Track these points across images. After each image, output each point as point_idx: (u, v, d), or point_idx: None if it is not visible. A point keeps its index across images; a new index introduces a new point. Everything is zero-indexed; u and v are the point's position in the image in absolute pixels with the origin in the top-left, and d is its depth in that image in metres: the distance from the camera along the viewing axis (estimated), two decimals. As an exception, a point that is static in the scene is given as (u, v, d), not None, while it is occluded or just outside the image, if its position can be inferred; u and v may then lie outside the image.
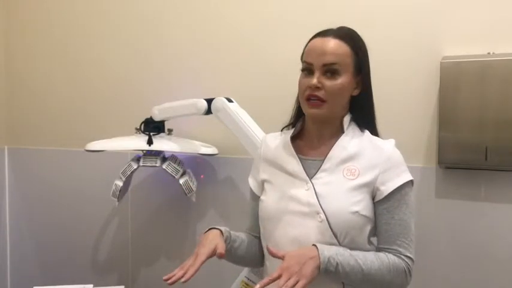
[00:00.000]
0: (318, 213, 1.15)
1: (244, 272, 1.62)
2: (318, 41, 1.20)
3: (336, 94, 1.17)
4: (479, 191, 1.61)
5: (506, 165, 1.52)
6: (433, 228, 1.65)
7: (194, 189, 1.90)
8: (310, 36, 1.24)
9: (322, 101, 1.16)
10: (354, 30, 1.23)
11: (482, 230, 1.61)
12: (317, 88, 1.16)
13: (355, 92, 1.22)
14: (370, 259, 1.12)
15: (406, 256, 1.16)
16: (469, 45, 1.59)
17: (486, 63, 1.51)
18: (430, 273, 1.65)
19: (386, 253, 1.16)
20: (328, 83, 1.16)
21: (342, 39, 1.18)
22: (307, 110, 1.19)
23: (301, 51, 1.26)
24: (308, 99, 1.18)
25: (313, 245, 1.12)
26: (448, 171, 1.65)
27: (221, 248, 1.15)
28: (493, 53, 1.55)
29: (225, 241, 1.21)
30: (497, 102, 1.50)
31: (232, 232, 1.28)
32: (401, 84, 1.69)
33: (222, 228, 1.24)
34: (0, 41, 2.38)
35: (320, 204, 1.15)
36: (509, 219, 1.58)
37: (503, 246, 1.59)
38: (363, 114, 1.25)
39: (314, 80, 1.16)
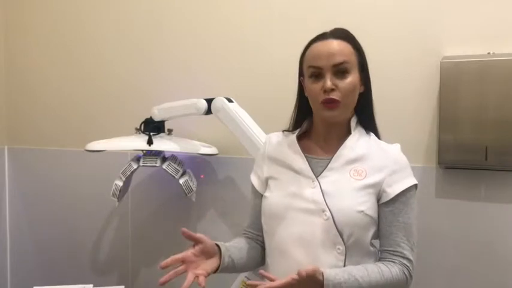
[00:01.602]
0: (323, 211, 1.14)
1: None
2: (320, 44, 1.20)
3: (350, 93, 1.17)
4: (479, 191, 1.61)
5: (506, 165, 1.52)
6: (433, 228, 1.65)
7: (194, 189, 1.90)
8: (311, 36, 1.24)
9: (338, 102, 1.16)
10: (348, 30, 1.23)
11: (482, 230, 1.61)
12: (332, 90, 1.15)
13: (361, 89, 1.22)
14: (374, 279, 1.11)
15: (408, 259, 1.17)
16: (469, 45, 1.59)
17: (486, 63, 1.51)
18: (430, 273, 1.65)
19: (389, 264, 1.16)
20: (340, 83, 1.16)
21: (342, 39, 1.19)
22: (323, 113, 1.19)
23: (301, 52, 1.26)
24: (325, 102, 1.17)
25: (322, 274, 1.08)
26: (448, 171, 1.65)
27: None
28: (493, 53, 1.55)
29: (222, 257, 1.21)
30: (497, 102, 1.50)
31: (229, 245, 1.26)
32: (401, 84, 1.69)
33: (222, 247, 1.22)
34: (0, 40, 2.38)
35: (326, 202, 1.15)
36: (509, 219, 1.58)
37: (504, 246, 1.59)
38: (367, 113, 1.26)
39: (328, 83, 1.15)
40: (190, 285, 1.11)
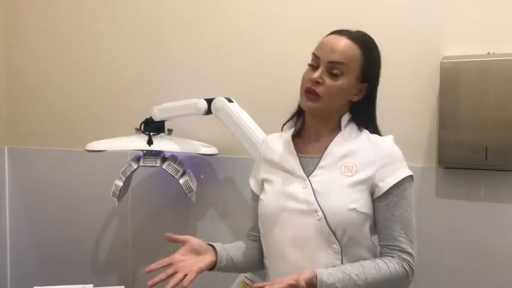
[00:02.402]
0: (315, 211, 1.14)
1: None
2: (332, 37, 1.19)
3: (334, 94, 1.17)
4: (479, 191, 1.61)
5: (506, 165, 1.52)
6: (433, 228, 1.65)
7: (194, 189, 1.90)
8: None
9: (318, 96, 1.16)
10: (371, 37, 1.21)
11: (482, 230, 1.61)
12: (317, 83, 1.16)
13: (355, 98, 1.21)
14: (370, 276, 1.11)
15: (407, 253, 1.15)
16: (469, 45, 1.59)
17: (486, 63, 1.51)
18: (430, 273, 1.65)
19: (388, 259, 1.15)
20: (328, 81, 1.16)
21: (356, 42, 1.17)
22: (304, 102, 1.20)
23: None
24: (307, 92, 1.18)
25: (315, 277, 1.08)
26: (448, 171, 1.65)
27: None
28: (493, 53, 1.55)
29: (218, 255, 1.23)
30: (497, 102, 1.50)
31: (228, 245, 1.28)
32: (401, 84, 1.69)
33: (217, 246, 1.25)
34: (0, 40, 2.38)
35: (318, 202, 1.15)
36: (509, 219, 1.58)
37: (503, 246, 1.59)
38: (362, 118, 1.24)
39: (316, 74, 1.16)
40: (177, 283, 1.11)
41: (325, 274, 1.08)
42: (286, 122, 1.32)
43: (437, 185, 1.66)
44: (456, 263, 1.65)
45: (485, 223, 1.61)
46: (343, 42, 1.17)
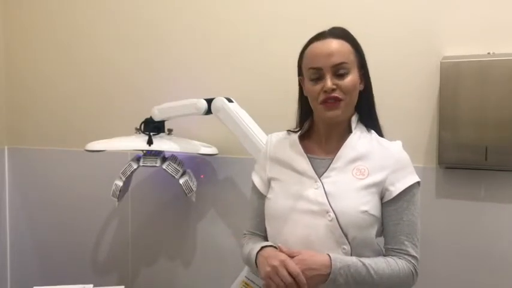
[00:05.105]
0: (327, 212, 1.15)
1: (244, 272, 1.62)
2: (319, 44, 1.20)
3: (351, 92, 1.18)
4: (479, 191, 1.61)
5: (506, 165, 1.52)
6: (433, 228, 1.65)
7: (194, 189, 1.90)
8: (310, 36, 1.25)
9: (339, 100, 1.16)
10: (346, 29, 1.23)
11: (482, 230, 1.61)
12: (333, 90, 1.16)
13: (361, 87, 1.23)
14: (381, 268, 1.13)
15: (413, 256, 1.18)
16: (469, 45, 1.59)
17: (486, 63, 1.51)
18: (430, 273, 1.65)
19: (396, 258, 1.17)
20: (341, 82, 1.17)
21: (341, 38, 1.20)
22: (324, 113, 1.19)
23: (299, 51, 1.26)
24: (324, 102, 1.17)
25: (328, 254, 1.12)
26: (448, 171, 1.65)
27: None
28: (493, 53, 1.55)
29: None
30: (497, 102, 1.50)
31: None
32: (401, 84, 1.69)
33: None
34: (0, 40, 2.38)
35: (329, 203, 1.15)
36: (509, 219, 1.58)
37: (504, 246, 1.59)
38: (367, 111, 1.26)
39: (329, 83, 1.16)
40: None
41: (338, 256, 1.12)
42: (292, 131, 1.31)
43: (438, 185, 1.66)
44: (456, 263, 1.65)
45: (485, 223, 1.61)
46: (333, 44, 1.18)
